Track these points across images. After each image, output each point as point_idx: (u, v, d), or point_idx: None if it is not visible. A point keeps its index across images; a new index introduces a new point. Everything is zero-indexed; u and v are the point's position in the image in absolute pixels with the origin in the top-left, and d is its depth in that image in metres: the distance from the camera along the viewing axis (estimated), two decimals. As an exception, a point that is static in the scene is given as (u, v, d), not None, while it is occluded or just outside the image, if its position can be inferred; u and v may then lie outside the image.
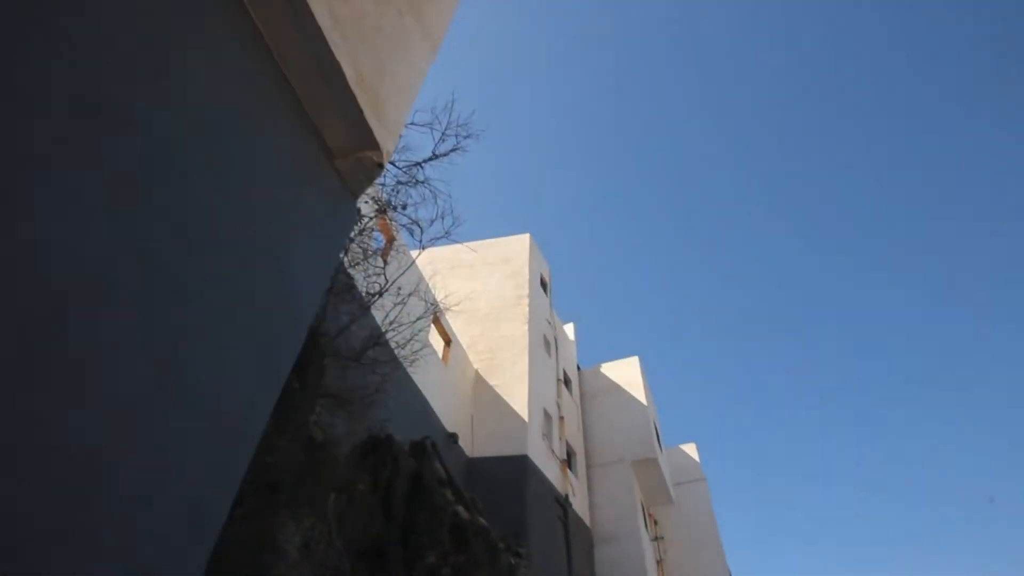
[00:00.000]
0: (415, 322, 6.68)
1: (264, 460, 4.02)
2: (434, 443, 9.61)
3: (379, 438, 7.69)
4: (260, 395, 2.23)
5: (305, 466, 4.81)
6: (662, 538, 18.30)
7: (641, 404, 17.71)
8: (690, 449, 22.09)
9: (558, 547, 12.14)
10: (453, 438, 10.73)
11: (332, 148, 3.04)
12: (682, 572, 17.95)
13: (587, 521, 14.89)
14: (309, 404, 5.13)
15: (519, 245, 16.37)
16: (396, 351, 6.68)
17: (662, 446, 19.08)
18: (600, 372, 19.11)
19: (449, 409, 10.95)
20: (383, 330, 6.44)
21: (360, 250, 5.92)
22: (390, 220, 7.15)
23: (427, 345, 8.07)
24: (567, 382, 17.13)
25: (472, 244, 15.25)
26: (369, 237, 6.68)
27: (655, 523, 18.79)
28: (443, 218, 6.25)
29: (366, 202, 5.82)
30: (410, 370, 8.77)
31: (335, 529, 5.35)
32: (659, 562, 17.28)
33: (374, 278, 6.61)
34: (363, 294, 6.53)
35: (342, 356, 6.14)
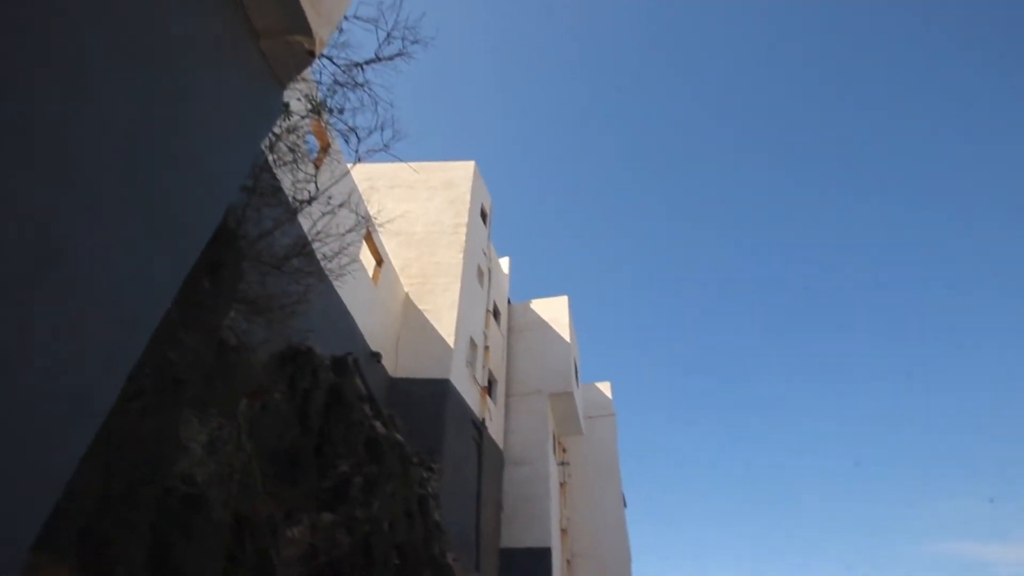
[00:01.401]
0: (345, 235, 6.45)
1: (168, 355, 3.85)
2: (357, 360, 9.62)
3: (299, 349, 7.58)
4: (158, 283, 2.10)
5: (215, 367, 4.67)
6: (568, 464, 19.75)
7: (564, 341, 18.46)
8: (605, 387, 23.53)
9: (471, 466, 12.82)
10: (376, 357, 10.78)
11: (258, 28, 2.74)
12: (582, 495, 19.60)
13: (500, 444, 15.73)
14: (223, 306, 4.92)
15: (463, 171, 15.96)
16: (323, 263, 6.47)
17: (579, 382, 20.18)
18: (529, 308, 19.59)
19: (375, 328, 10.91)
20: (310, 239, 6.18)
21: (289, 151, 5.53)
22: (325, 124, 6.69)
23: (356, 261, 7.87)
24: (496, 314, 17.46)
25: (414, 164, 14.69)
26: (301, 139, 6.24)
27: (564, 451, 20.18)
28: (383, 129, 5.90)
29: (298, 99, 5.38)
30: (337, 284, 8.56)
31: (246, 432, 5.31)
32: (562, 484, 18.73)
33: (304, 184, 6.25)
34: (291, 199, 6.19)
35: (263, 262, 5.87)
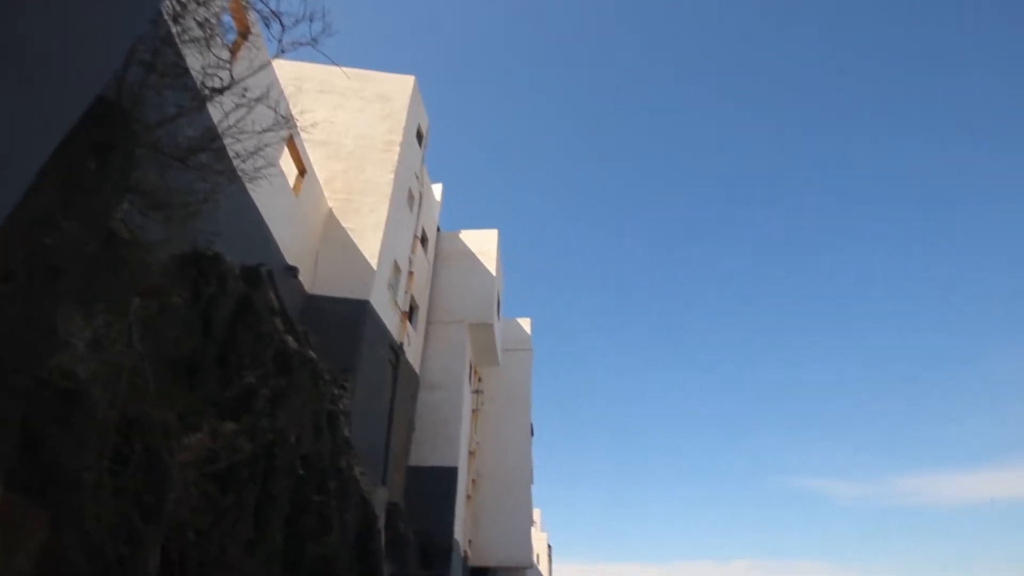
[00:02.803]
0: (262, 133, 5.92)
1: (44, 240, 3.46)
2: (271, 272, 9.16)
3: (204, 254, 7.08)
4: (14, 148, 1.83)
5: (102, 260, 4.27)
6: (482, 392, 20.48)
7: (490, 274, 18.60)
8: (525, 323, 24.23)
9: (385, 387, 12.94)
10: (293, 271, 10.33)
11: None
12: (492, 422, 20.55)
13: (417, 369, 15.95)
14: (112, 194, 4.43)
15: (400, 86, 15.00)
16: (235, 162, 5.95)
17: (500, 315, 20.62)
18: (458, 238, 19.41)
19: (293, 241, 10.38)
20: (220, 133, 5.62)
21: (199, 26, 4.89)
22: (244, 4, 5.96)
23: (275, 166, 7.30)
24: (424, 240, 17.16)
25: (348, 70, 13.57)
26: (215, 18, 5.52)
27: (479, 379, 20.85)
28: (311, 20, 5.34)
29: (211, -34, 4.70)
30: (251, 189, 7.95)
31: (138, 334, 4.98)
32: (475, 411, 19.50)
33: (216, 70, 5.60)
34: (199, 84, 5.55)
35: (163, 151, 5.30)
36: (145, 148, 5.35)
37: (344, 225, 12.18)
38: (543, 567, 40.86)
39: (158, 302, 5.73)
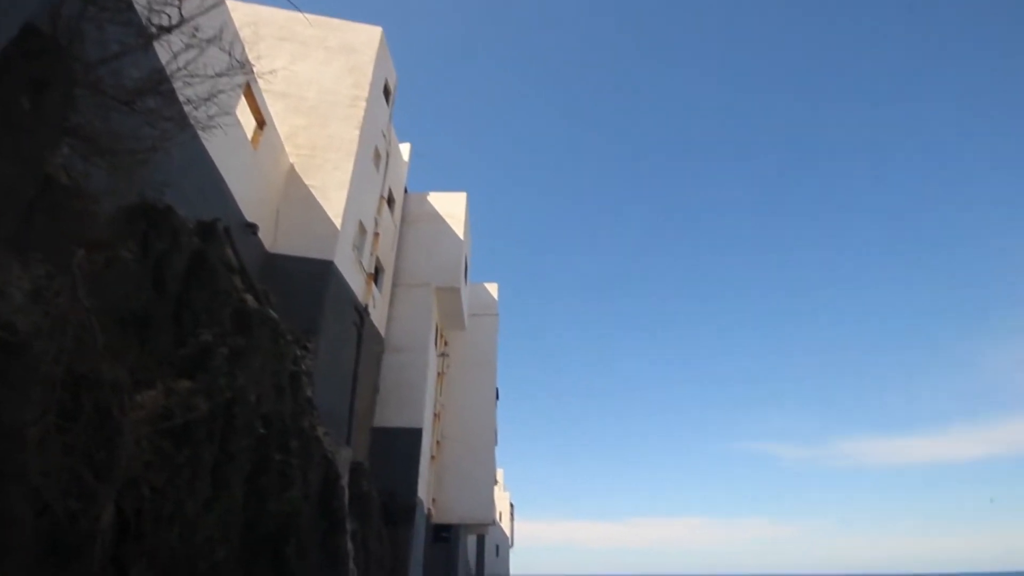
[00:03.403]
0: (215, 78, 5.57)
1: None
2: (228, 228, 8.82)
3: (154, 206, 6.74)
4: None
5: (39, 206, 4.01)
6: (448, 356, 20.57)
7: (458, 238, 18.43)
8: (492, 288, 24.25)
9: (349, 349, 12.83)
10: (252, 228, 9.97)
11: None
12: (458, 385, 20.74)
13: (382, 332, 15.85)
14: (48, 136, 4.13)
15: (367, 37, 14.32)
16: (186, 108, 5.61)
17: (467, 280, 20.56)
18: (426, 200, 19.06)
19: (252, 197, 9.98)
20: (169, 75, 5.27)
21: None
22: (194, -66, 5.53)
23: (231, 115, 6.89)
24: (391, 201, 16.78)
25: (310, 17, 12.85)
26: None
27: (445, 343, 20.90)
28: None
29: None
30: (204, 139, 7.54)
31: (84, 287, 4.75)
32: (440, 374, 19.61)
33: (164, 6, 5.20)
34: (144, 21, 5.16)
35: (105, 93, 4.95)
36: (85, 88, 4.99)
37: (307, 182, 11.75)
38: (505, 525, 42.25)
39: (105, 255, 5.45)
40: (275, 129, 11.37)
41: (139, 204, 6.47)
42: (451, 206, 19.02)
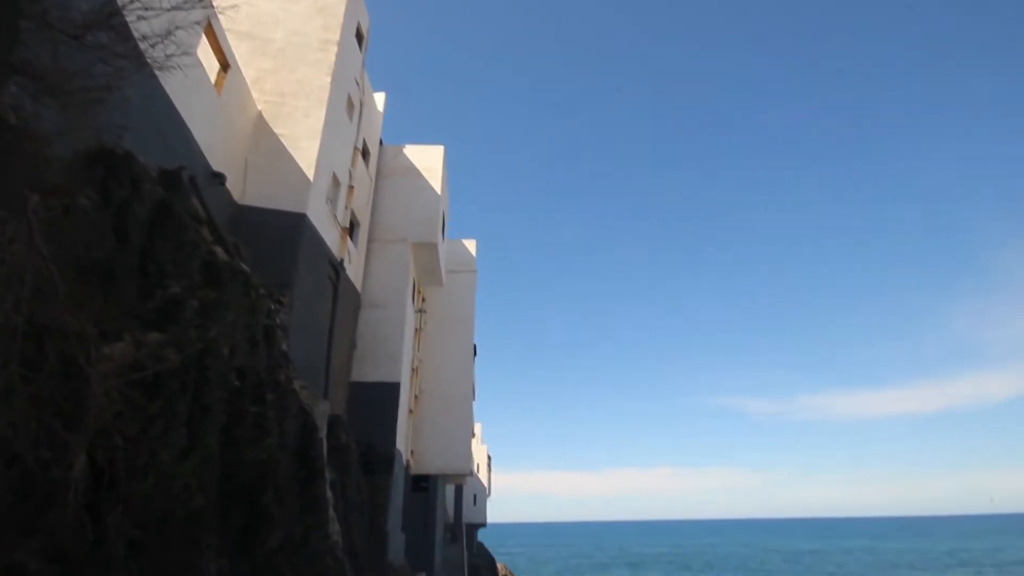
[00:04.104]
0: (172, 11, 5.21)
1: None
2: (193, 177, 8.48)
3: (113, 151, 6.42)
4: None
5: (-16, 147, 3.77)
6: (425, 312, 20.59)
7: (435, 192, 18.11)
8: (470, 244, 24.10)
9: (324, 303, 12.72)
10: (219, 179, 9.61)
11: None
12: (436, 341, 20.86)
13: (359, 287, 15.71)
14: (-10, 70, 3.84)
15: (337, -24, 13.49)
16: (141, 44, 5.26)
17: (445, 235, 20.36)
18: (402, 152, 18.56)
19: (217, 146, 9.56)
20: (120, 7, 4.91)
21: None
22: None
23: (190, 54, 6.47)
24: (365, 153, 16.30)
25: (275, -49, 12.00)
26: None
27: (423, 299, 20.87)
28: None
29: None
30: (163, 80, 7.12)
31: (40, 234, 4.55)
32: (418, 330, 19.67)
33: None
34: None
35: (53, 26, 4.60)
36: (31, 21, 4.63)
37: (276, 131, 11.28)
38: (483, 476, 43.62)
39: (62, 202, 5.21)
40: (240, 73, 10.80)
41: (96, 149, 6.16)
42: (428, 160, 18.59)
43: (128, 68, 4.71)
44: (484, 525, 43.05)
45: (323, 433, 9.44)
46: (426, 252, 17.93)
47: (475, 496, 41.08)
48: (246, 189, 10.69)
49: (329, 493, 8.63)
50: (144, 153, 6.82)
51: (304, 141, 11.46)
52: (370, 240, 16.80)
